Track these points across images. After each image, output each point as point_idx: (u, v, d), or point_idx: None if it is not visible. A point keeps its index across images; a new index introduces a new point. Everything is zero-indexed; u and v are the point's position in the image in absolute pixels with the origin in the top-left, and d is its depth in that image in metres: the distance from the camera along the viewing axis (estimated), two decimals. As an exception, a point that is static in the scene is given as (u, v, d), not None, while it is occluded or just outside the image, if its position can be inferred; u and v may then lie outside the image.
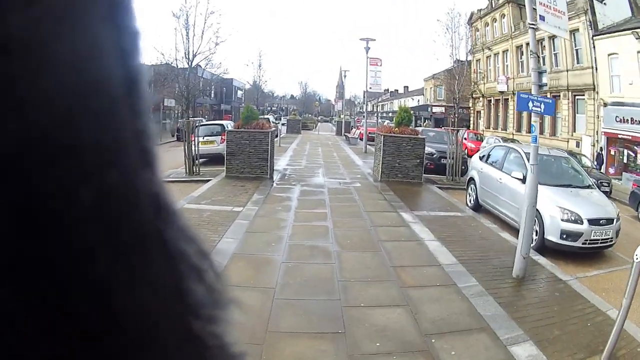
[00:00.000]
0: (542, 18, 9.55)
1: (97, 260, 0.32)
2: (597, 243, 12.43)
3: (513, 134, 48.84)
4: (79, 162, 0.31)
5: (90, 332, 0.32)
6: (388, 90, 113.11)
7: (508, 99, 51.75)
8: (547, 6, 9.55)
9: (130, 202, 0.35)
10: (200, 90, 77.12)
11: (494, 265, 10.20)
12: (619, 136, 34.87)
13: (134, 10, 0.37)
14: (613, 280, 10.72)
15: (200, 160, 22.55)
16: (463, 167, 22.53)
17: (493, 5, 56.89)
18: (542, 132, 44.40)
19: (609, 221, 12.64)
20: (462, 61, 55.70)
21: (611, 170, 34.20)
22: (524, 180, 12.61)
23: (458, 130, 23.80)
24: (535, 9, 9.55)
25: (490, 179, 16.12)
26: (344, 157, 31.94)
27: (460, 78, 23.49)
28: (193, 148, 21.19)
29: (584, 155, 31.00)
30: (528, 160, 12.58)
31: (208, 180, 19.30)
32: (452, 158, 22.42)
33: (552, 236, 12.32)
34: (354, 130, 54.05)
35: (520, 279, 9.47)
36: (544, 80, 10.39)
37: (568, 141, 40.04)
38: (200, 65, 53.94)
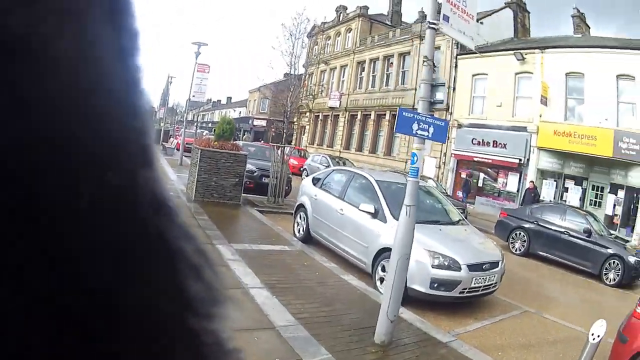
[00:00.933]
0: (446, 18, 7.53)
1: (98, 258, 0.33)
2: (478, 291, 10.53)
3: (340, 152, 47.75)
4: (80, 161, 0.32)
5: (91, 330, 0.33)
6: (211, 100, 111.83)
7: (339, 115, 50.80)
8: (455, 5, 7.60)
9: (131, 200, 0.36)
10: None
11: (347, 325, 7.94)
12: (474, 159, 34.33)
13: (134, 11, 0.38)
14: (504, 332, 9.22)
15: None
16: (287, 188, 20.70)
17: (340, 19, 55.74)
18: (374, 150, 44.17)
19: (493, 265, 10.83)
20: (299, 74, 54.22)
21: (459, 194, 33.49)
22: (375, 215, 11.52)
23: (284, 147, 21.61)
24: (440, 4, 7.49)
25: (328, 209, 13.69)
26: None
27: (295, 90, 21.79)
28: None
29: (430, 178, 29.63)
30: (380, 190, 11.98)
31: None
32: (276, 177, 20.15)
33: (419, 285, 10.05)
34: (172, 139, 50.82)
35: (387, 345, 7.37)
36: (440, 96, 8.10)
37: (406, 162, 37.59)
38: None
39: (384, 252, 10.72)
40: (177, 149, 41.22)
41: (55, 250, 0.30)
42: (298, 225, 15.26)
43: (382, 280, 10.46)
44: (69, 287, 0.31)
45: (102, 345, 0.33)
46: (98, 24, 0.33)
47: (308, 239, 14.43)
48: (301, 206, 15.26)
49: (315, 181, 15.26)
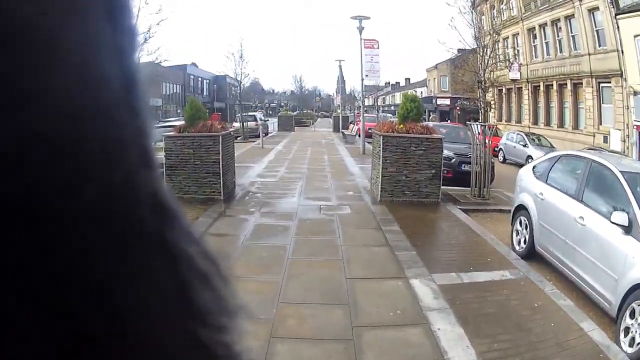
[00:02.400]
0: None
1: (98, 259, 0.32)
2: None
3: (529, 127, 42.01)
4: (81, 160, 0.32)
5: (90, 332, 0.32)
6: (389, 83, 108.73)
7: (521, 87, 45.63)
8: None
9: (131, 201, 0.35)
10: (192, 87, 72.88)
11: None
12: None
13: (131, 10, 0.38)
14: None
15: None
16: (490, 175, 16.43)
17: None
18: (562, 124, 38.64)
19: None
20: (472, 48, 50.48)
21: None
22: (628, 230, 7.37)
23: (486, 126, 16.88)
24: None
25: (560, 215, 9.41)
26: (335, 162, 25.17)
27: (482, 61, 18.55)
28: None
29: (619, 153, 24.03)
30: (630, 188, 7.95)
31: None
32: (478, 164, 15.92)
33: None
34: (352, 126, 47.56)
35: None
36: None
37: (594, 135, 33.80)
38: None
39: (637, 290, 6.84)
40: (358, 136, 37.80)
41: (56, 249, 0.30)
42: (518, 234, 11.19)
43: (627, 331, 6.82)
44: (69, 287, 0.31)
45: (103, 351, 0.32)
46: (99, 23, 0.33)
47: (532, 253, 10.38)
48: (521, 208, 11.17)
49: (537, 172, 10.99)
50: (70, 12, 0.31)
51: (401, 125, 14.71)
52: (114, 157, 0.33)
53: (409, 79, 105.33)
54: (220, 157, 14.44)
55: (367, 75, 31.59)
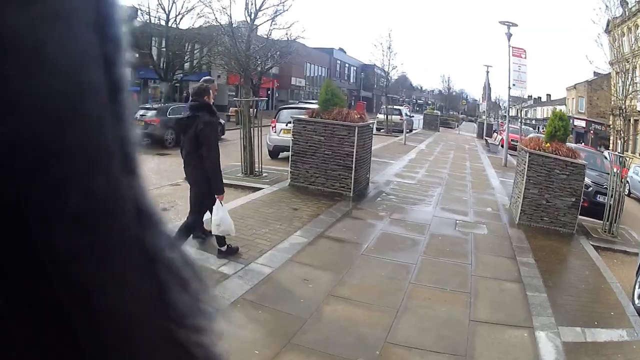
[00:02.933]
0: None
1: (81, 263, 0.33)
2: None
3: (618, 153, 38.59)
4: (66, 167, 0.32)
5: (72, 332, 0.33)
6: (531, 96, 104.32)
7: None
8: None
9: (114, 208, 0.36)
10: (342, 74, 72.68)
11: None
12: None
13: (119, 19, 0.38)
14: None
15: (283, 154, 18.10)
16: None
17: (627, 13, 47.10)
18: None
19: None
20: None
21: None
22: None
23: (623, 156, 15.39)
24: None
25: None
26: (477, 171, 23.74)
27: (623, 87, 16.99)
28: (259, 139, 14.65)
29: None
30: None
31: (260, 189, 13.23)
32: (613, 196, 14.37)
33: None
34: (495, 135, 45.71)
35: None
36: None
37: None
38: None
39: None
40: (501, 146, 36.17)
41: (39, 254, 0.30)
42: None
43: None
44: (53, 290, 0.31)
45: (85, 353, 0.33)
46: (84, 32, 0.34)
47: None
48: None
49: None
50: (55, 21, 0.31)
51: (548, 144, 13.46)
52: (97, 164, 0.34)
53: (550, 94, 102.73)
54: (355, 149, 13.49)
55: (514, 85, 29.75)
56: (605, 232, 14.24)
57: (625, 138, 16.12)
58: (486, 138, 43.92)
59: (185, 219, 7.72)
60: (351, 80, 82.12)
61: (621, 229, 14.61)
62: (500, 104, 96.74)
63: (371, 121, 16.68)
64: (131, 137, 0.38)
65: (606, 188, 15.39)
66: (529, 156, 13.12)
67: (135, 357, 0.36)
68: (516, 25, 28.81)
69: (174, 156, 15.36)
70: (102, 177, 0.34)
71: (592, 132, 57.08)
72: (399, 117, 43.59)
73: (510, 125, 36.67)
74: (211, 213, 7.52)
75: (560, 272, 10.35)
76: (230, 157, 15.28)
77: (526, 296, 8.05)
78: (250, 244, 8.50)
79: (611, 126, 52.60)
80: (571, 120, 62.91)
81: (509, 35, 28.75)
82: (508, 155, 27.94)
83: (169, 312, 0.39)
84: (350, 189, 13.45)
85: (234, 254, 7.93)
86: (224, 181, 8.05)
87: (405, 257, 9.32)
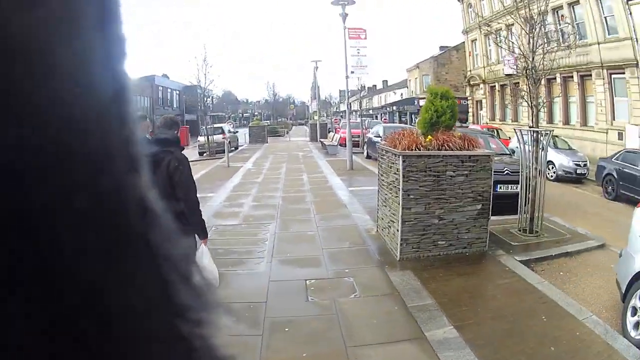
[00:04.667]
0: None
1: (89, 262, 0.33)
2: None
3: (530, 126, 36.05)
4: (72, 168, 0.32)
5: (79, 333, 0.33)
6: (364, 87, 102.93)
7: (518, 83, 40.22)
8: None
9: (120, 207, 0.36)
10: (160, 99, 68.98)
11: None
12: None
13: (121, 19, 0.38)
14: None
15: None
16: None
17: None
18: (567, 121, 35.20)
19: None
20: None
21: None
22: None
23: (540, 132, 11.39)
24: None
25: None
26: (318, 184, 18.56)
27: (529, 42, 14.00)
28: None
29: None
30: None
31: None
32: (528, 185, 10.89)
33: None
34: (331, 134, 41.69)
35: None
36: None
37: (607, 132, 29.66)
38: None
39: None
40: (340, 145, 31.97)
41: (49, 255, 0.31)
42: (636, 314, 6.66)
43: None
44: (57, 291, 0.32)
45: (91, 348, 0.34)
46: (89, 31, 0.34)
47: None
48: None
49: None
50: (60, 23, 0.31)
51: (429, 138, 9.01)
52: (103, 165, 0.34)
53: (386, 80, 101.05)
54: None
55: (352, 72, 25.06)
56: (523, 231, 10.68)
57: (535, 104, 11.95)
58: (321, 140, 39.60)
59: None
60: (174, 105, 78.02)
61: (550, 224, 11.24)
62: (331, 102, 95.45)
63: (192, 146, 11.95)
64: (135, 135, 0.39)
65: (508, 174, 12.46)
66: (404, 161, 8.62)
67: (139, 351, 0.37)
68: (354, 2, 23.86)
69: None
70: (107, 177, 0.35)
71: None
72: (221, 136, 37.87)
73: (344, 121, 33.02)
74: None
75: (494, 327, 6.48)
76: None
77: None
78: None
79: (469, 97, 52.50)
80: (416, 101, 61.38)
81: (344, 16, 23.96)
82: (352, 156, 23.59)
83: (173, 306, 0.40)
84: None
85: None
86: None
87: None
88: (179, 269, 0.41)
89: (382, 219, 10.16)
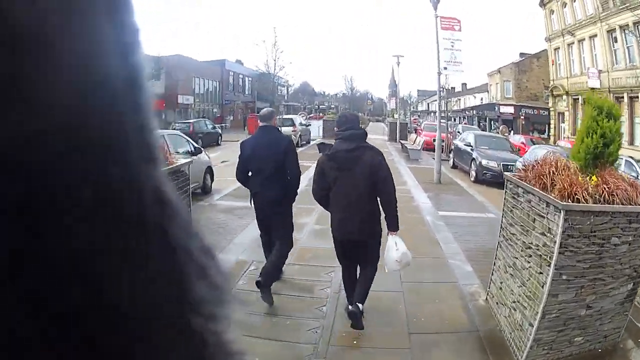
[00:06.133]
0: None
1: (98, 256, 0.33)
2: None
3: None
4: (81, 158, 0.32)
5: (90, 327, 0.33)
6: (443, 88, 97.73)
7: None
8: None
9: (132, 197, 0.36)
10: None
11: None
12: None
13: (133, 6, 0.38)
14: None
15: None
16: None
17: None
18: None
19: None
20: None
21: None
22: None
23: None
24: None
25: None
26: (402, 201, 8.43)
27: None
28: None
29: None
30: None
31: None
32: None
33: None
34: (414, 136, 37.83)
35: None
36: None
37: None
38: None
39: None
40: (423, 150, 28.47)
41: (56, 247, 0.31)
42: None
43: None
44: (69, 285, 0.31)
45: (104, 343, 0.33)
46: (100, 21, 0.34)
47: None
48: None
49: None
50: (69, 10, 0.31)
51: (594, 179, 5.66)
52: (115, 153, 0.34)
53: (465, 84, 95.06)
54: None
55: (445, 68, 20.92)
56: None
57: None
58: (401, 141, 35.88)
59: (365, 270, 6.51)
60: (246, 92, 77.20)
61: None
62: (409, 101, 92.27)
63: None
64: (151, 125, 0.38)
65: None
66: (565, 220, 5.28)
67: (151, 346, 0.36)
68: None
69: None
70: (119, 167, 0.34)
71: (522, 117, 52.10)
72: (290, 128, 33.97)
73: (427, 122, 29.57)
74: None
75: None
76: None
77: None
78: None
79: (551, 108, 49.74)
80: (496, 108, 57.61)
81: (436, 3, 20.39)
82: (442, 166, 20.12)
83: (187, 299, 0.39)
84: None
85: None
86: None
87: None
88: (196, 262, 0.40)
89: (501, 290, 6.76)
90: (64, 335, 0.31)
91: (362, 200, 6.26)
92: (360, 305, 6.25)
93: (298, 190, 7.55)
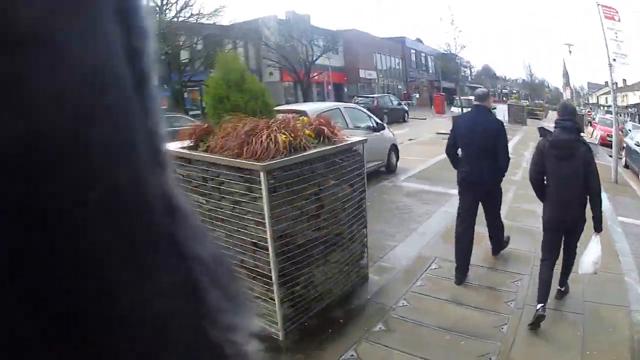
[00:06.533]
0: None
1: (105, 261, 0.32)
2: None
3: None
4: (88, 161, 0.32)
5: (97, 335, 0.32)
6: (616, 84, 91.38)
7: None
8: None
9: (140, 202, 0.35)
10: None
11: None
12: None
13: (143, 10, 0.38)
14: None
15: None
16: None
17: None
18: None
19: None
20: None
21: None
22: None
23: None
24: None
25: None
26: None
27: None
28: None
29: None
30: None
31: None
32: None
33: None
34: (590, 129, 35.35)
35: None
36: None
37: None
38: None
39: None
40: (600, 145, 27.04)
41: (62, 252, 0.30)
42: None
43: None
44: (75, 290, 0.31)
45: (109, 351, 0.32)
46: (107, 23, 0.33)
47: None
48: None
49: None
50: (78, 13, 0.31)
51: None
52: (123, 158, 0.33)
53: (625, 79, 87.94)
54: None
55: (615, 59, 18.77)
56: None
57: None
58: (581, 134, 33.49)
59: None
60: (430, 71, 77.32)
61: None
62: (581, 93, 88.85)
63: (446, 115, 11.44)
64: (159, 130, 0.38)
65: None
66: None
67: (168, 357, 0.36)
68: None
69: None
70: (127, 172, 0.33)
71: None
72: None
73: (601, 116, 27.65)
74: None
75: None
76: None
77: None
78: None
79: None
80: None
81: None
82: (618, 165, 18.25)
83: (202, 310, 0.39)
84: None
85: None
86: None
87: None
88: (209, 269, 0.39)
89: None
90: (64, 335, 0.30)
91: (577, 190, 6.26)
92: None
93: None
